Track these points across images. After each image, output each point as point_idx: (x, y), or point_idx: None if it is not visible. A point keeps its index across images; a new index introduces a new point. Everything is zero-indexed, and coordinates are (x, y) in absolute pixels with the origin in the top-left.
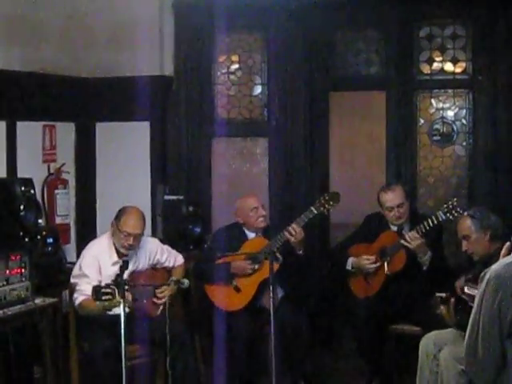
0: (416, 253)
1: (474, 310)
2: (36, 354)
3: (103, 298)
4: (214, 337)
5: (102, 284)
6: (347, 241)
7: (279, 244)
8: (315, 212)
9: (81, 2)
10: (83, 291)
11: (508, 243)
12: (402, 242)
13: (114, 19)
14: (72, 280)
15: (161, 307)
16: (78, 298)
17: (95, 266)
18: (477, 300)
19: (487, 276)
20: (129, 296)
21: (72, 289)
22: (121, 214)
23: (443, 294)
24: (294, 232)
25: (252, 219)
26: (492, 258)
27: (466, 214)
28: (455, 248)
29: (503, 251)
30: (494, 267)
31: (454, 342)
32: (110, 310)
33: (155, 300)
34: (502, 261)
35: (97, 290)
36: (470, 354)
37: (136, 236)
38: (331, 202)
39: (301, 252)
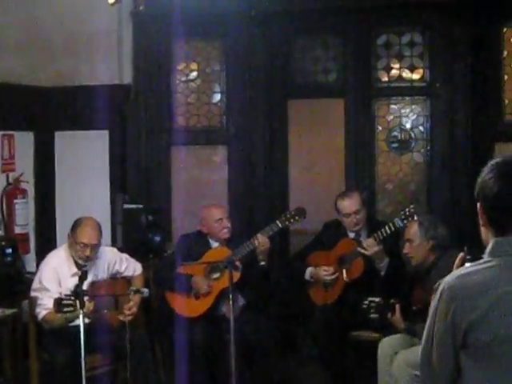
0: (373, 259)
1: (428, 321)
2: None
3: (65, 309)
4: (174, 344)
5: (63, 296)
6: (306, 249)
7: (242, 254)
8: (280, 226)
9: (39, 11)
10: (45, 305)
11: (461, 254)
12: (359, 249)
13: (72, 28)
14: (32, 294)
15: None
16: (41, 313)
17: (55, 278)
18: (431, 311)
19: (441, 287)
20: (90, 306)
21: (33, 302)
22: (76, 225)
23: (376, 299)
24: (260, 242)
25: (216, 230)
26: (435, 266)
27: (415, 219)
28: None
29: (457, 262)
30: (448, 278)
31: (405, 346)
32: (73, 321)
33: (121, 317)
34: (456, 272)
35: (58, 303)
36: (424, 364)
37: (93, 247)
38: (297, 217)
39: (263, 263)
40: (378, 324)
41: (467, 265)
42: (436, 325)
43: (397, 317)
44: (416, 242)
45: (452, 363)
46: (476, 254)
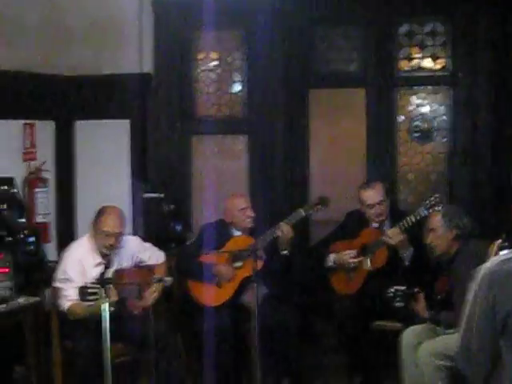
0: (397, 249)
1: (467, 307)
2: (18, 353)
3: (89, 298)
4: (196, 333)
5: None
6: (328, 238)
7: (265, 242)
8: (303, 214)
9: None
10: (70, 296)
11: (498, 241)
12: (383, 238)
13: (93, 16)
14: (57, 285)
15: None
16: (66, 304)
17: (79, 269)
18: (471, 298)
19: (481, 273)
20: (115, 295)
21: (56, 291)
22: (100, 214)
23: (401, 288)
24: (283, 230)
25: (240, 219)
26: (458, 254)
27: (438, 208)
28: None
29: (494, 249)
30: (488, 265)
31: (430, 337)
32: (96, 313)
33: (143, 302)
34: (496, 258)
35: (83, 291)
36: (463, 351)
37: (116, 235)
38: (320, 206)
39: (286, 252)
40: (402, 313)
41: (504, 252)
42: (476, 311)
43: (421, 305)
44: (439, 232)
45: (491, 349)
46: None
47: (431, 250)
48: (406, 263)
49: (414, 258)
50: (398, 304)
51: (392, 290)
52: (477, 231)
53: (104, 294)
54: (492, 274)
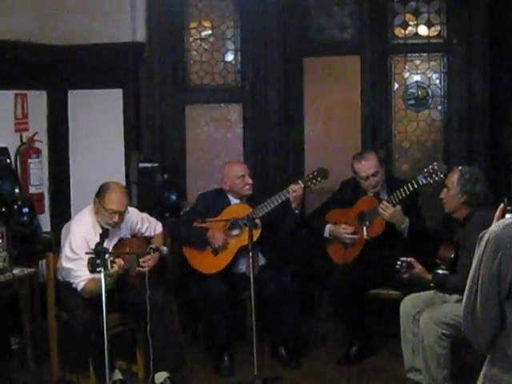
0: (393, 223)
1: (471, 272)
2: (14, 324)
3: (98, 269)
4: (192, 301)
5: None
6: (324, 207)
7: (264, 212)
8: (302, 185)
9: None
10: (82, 276)
11: (501, 205)
12: (380, 210)
13: None
14: (66, 265)
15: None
16: (80, 284)
17: (85, 246)
18: (475, 262)
19: (486, 237)
20: (121, 263)
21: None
22: (104, 190)
23: (407, 259)
24: (292, 188)
25: (238, 186)
26: (468, 220)
27: (460, 168)
28: (432, 213)
29: (497, 214)
30: (493, 228)
31: (431, 305)
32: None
33: (139, 269)
34: (501, 222)
35: (92, 262)
36: (467, 316)
37: (121, 213)
38: (319, 178)
39: (297, 211)
40: (411, 283)
41: (508, 216)
42: (480, 275)
43: (419, 269)
44: (452, 191)
45: (497, 314)
46: None
47: (443, 205)
48: (405, 235)
49: (411, 229)
50: (405, 275)
51: (399, 262)
52: (490, 199)
53: (111, 264)
54: (496, 239)
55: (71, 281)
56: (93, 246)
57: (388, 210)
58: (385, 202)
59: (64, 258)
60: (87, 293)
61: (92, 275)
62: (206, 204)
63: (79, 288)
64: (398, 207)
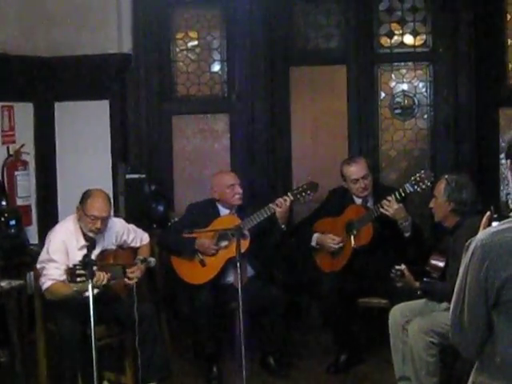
0: (396, 219)
1: (458, 280)
2: (1, 337)
3: (78, 279)
4: (180, 312)
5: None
6: (312, 216)
7: (252, 224)
8: (291, 198)
9: None
10: (51, 276)
11: (488, 213)
12: (382, 210)
13: None
14: (39, 265)
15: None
16: (46, 283)
17: (63, 250)
18: (462, 270)
19: (473, 245)
20: (103, 276)
21: (38, 274)
22: (86, 197)
23: (402, 267)
24: (278, 203)
25: (228, 196)
26: (457, 228)
27: (446, 176)
28: (419, 220)
29: (484, 221)
30: (480, 236)
31: (420, 313)
32: (84, 292)
33: (126, 280)
34: (488, 230)
35: (71, 273)
36: (455, 323)
37: (103, 219)
38: (309, 192)
39: (283, 226)
40: (404, 292)
41: (494, 224)
42: (468, 283)
43: (407, 276)
44: (439, 200)
45: (484, 322)
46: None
47: (433, 214)
48: (406, 234)
49: (414, 228)
50: (399, 284)
51: (393, 270)
52: (478, 207)
53: (89, 276)
54: (483, 247)
55: (40, 280)
56: (71, 252)
57: (393, 206)
58: (389, 198)
59: (39, 259)
60: (51, 293)
61: (62, 278)
62: (195, 214)
63: (44, 287)
64: (401, 204)
